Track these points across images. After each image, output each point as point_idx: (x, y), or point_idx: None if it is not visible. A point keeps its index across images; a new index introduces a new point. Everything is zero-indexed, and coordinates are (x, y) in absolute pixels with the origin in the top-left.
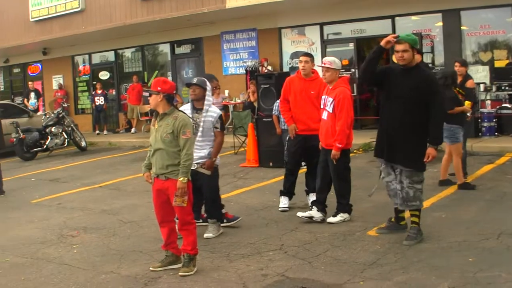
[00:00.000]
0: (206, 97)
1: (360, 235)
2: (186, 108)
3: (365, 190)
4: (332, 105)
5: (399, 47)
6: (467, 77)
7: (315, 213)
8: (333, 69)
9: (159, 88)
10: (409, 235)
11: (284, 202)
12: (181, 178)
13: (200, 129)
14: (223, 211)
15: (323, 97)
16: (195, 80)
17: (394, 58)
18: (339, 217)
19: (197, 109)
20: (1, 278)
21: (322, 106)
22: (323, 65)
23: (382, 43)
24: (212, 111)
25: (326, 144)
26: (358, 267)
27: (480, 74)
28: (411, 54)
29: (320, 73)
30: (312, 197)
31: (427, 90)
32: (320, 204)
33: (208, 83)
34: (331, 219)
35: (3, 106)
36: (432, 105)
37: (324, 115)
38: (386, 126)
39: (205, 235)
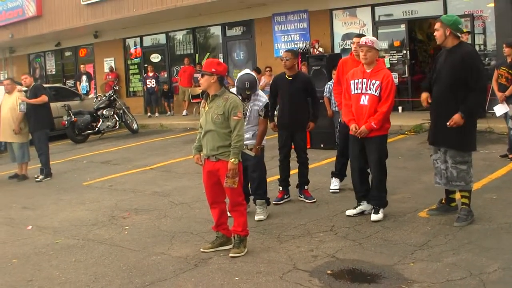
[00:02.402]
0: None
1: (410, 217)
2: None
3: (416, 172)
4: (379, 88)
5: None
6: None
7: (365, 206)
8: (375, 49)
9: (213, 70)
10: (460, 217)
11: (335, 183)
12: (232, 160)
13: (247, 117)
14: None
15: (357, 80)
16: (247, 85)
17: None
18: (381, 213)
19: (243, 98)
20: (52, 260)
21: (358, 91)
22: (364, 43)
23: None
24: (259, 99)
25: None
26: (408, 249)
27: None
28: (442, 33)
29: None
30: None
31: (464, 66)
32: (366, 196)
33: (254, 75)
34: (374, 217)
35: (55, 89)
36: (473, 82)
37: (364, 100)
38: (432, 108)
39: (256, 218)
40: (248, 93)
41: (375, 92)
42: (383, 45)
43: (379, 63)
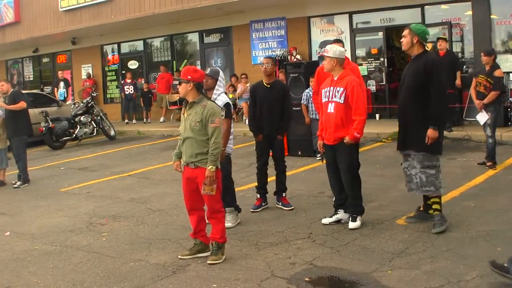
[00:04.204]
0: (216, 87)
1: (388, 224)
2: None
3: (394, 179)
4: (343, 95)
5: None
6: (495, 66)
7: (342, 215)
8: (329, 57)
9: (189, 77)
10: (435, 223)
11: None
12: (210, 167)
13: None
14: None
15: (326, 89)
16: (207, 71)
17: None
18: (358, 221)
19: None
20: (30, 266)
21: (326, 99)
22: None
23: None
24: (219, 99)
25: (335, 139)
26: (386, 256)
27: (509, 63)
28: (409, 40)
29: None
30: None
31: (426, 72)
32: (344, 204)
33: (220, 73)
34: (352, 225)
35: (32, 95)
36: (431, 86)
37: (331, 108)
38: (398, 114)
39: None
40: (208, 76)
41: (340, 99)
42: (361, 52)
43: (345, 70)
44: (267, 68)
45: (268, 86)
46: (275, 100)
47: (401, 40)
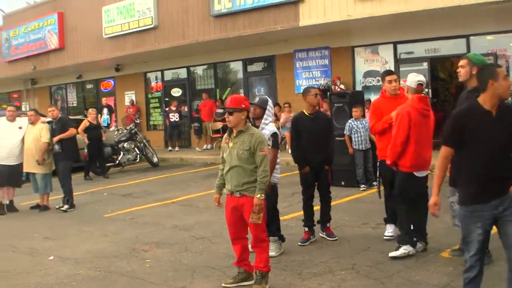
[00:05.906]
0: (265, 116)
1: (433, 257)
2: None
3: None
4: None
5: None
6: None
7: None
8: (408, 87)
9: (243, 106)
10: None
11: (389, 230)
12: (259, 195)
13: None
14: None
15: None
16: (256, 100)
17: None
18: (401, 250)
19: (256, 127)
20: None
21: None
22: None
23: None
24: (267, 128)
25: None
26: None
27: None
28: (468, 70)
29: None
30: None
31: None
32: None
33: (269, 102)
34: (392, 253)
35: (76, 121)
36: None
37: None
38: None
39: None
40: (256, 105)
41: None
42: (405, 82)
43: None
44: (321, 100)
45: (312, 116)
46: (322, 130)
47: (458, 71)
